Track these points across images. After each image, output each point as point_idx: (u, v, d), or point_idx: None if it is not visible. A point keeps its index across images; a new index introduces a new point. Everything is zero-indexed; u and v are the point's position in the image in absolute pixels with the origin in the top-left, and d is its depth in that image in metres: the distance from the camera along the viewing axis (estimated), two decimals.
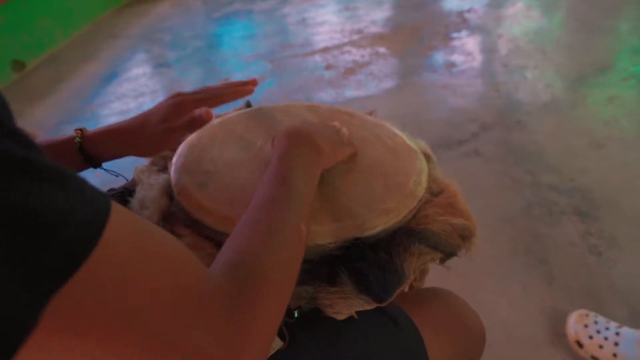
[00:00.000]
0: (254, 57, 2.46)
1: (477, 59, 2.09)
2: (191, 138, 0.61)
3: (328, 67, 2.18)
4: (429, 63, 2.11)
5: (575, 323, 0.95)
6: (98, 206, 0.22)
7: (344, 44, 2.38)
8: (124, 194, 0.59)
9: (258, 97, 2.07)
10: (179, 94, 0.58)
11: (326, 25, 2.67)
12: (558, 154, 1.46)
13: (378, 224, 0.47)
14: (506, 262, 1.15)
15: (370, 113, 0.72)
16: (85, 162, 0.54)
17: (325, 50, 2.35)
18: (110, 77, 2.51)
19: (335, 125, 0.59)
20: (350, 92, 1.95)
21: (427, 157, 0.61)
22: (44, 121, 2.17)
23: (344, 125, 0.64)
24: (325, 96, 1.95)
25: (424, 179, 0.54)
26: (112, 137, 0.54)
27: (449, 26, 2.41)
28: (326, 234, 0.46)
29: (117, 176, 0.62)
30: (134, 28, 3.21)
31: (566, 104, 1.70)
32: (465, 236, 0.49)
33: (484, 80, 1.93)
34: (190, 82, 2.36)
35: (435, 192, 0.54)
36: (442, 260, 0.48)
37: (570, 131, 1.55)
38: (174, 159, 0.58)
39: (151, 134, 0.54)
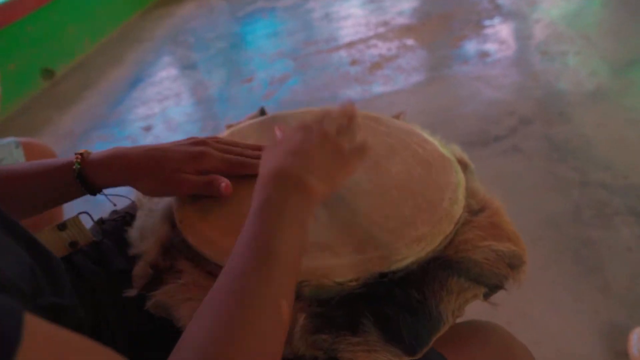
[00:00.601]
0: (277, 55, 2.40)
1: (513, 47, 1.96)
2: None
3: (353, 62, 2.09)
4: (461, 54, 1.99)
5: (639, 341, 0.84)
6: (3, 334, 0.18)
7: (370, 38, 2.28)
8: (126, 219, 0.53)
9: (282, 97, 2.02)
10: (206, 143, 0.50)
11: (351, 19, 2.58)
12: (608, 149, 1.33)
13: (408, 255, 0.40)
14: (554, 271, 1.05)
15: (398, 116, 0.64)
16: (84, 189, 0.48)
17: (351, 44, 2.27)
18: (136, 81, 2.51)
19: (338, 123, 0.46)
20: (377, 88, 1.86)
21: (464, 166, 0.53)
22: (73, 128, 2.19)
23: (368, 132, 0.56)
24: (351, 93, 1.87)
25: (461, 194, 0.46)
26: (115, 166, 0.47)
27: (480, 13, 2.27)
28: (346, 270, 0.38)
29: (114, 205, 0.56)
30: (159, 30, 3.21)
31: (614, 92, 1.56)
32: (513, 265, 0.41)
33: (521, 70, 1.80)
34: (215, 83, 2.33)
35: (475, 210, 0.46)
36: (487, 296, 0.40)
37: (621, 122, 1.42)
38: None
39: (159, 177, 0.46)
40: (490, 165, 1.35)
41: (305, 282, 0.38)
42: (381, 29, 2.35)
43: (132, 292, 0.43)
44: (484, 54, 1.93)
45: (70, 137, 2.10)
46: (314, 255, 0.40)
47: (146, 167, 0.46)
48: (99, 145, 1.99)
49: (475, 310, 0.53)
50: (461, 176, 0.48)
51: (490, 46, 1.97)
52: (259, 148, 0.53)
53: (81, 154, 0.47)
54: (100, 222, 0.55)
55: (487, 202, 0.46)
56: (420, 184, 0.47)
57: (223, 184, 0.46)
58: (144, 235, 0.46)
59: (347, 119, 0.46)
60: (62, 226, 0.49)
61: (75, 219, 0.50)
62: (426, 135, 0.56)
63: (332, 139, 0.43)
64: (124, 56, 2.87)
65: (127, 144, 1.95)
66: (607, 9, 2.17)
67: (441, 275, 0.38)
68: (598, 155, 1.31)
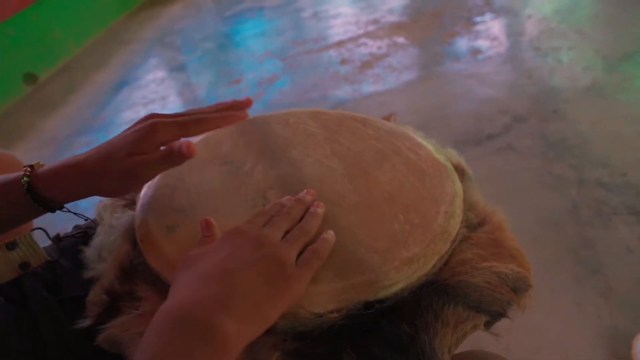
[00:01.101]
0: (266, 56, 2.35)
1: (505, 44, 1.92)
2: None
3: (343, 61, 2.05)
4: (452, 51, 1.95)
5: None
6: None
7: (360, 36, 2.24)
8: (88, 234, 0.48)
9: (270, 98, 1.96)
10: (153, 116, 0.43)
11: (340, 18, 2.53)
12: (605, 146, 1.29)
13: (398, 280, 0.35)
14: (553, 274, 1.01)
15: (389, 118, 0.59)
16: (39, 205, 0.42)
17: (340, 43, 2.22)
18: (121, 84, 2.44)
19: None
20: (368, 87, 1.82)
21: (461, 173, 0.48)
22: (56, 133, 2.12)
23: (354, 136, 0.52)
24: (341, 93, 1.82)
25: (459, 207, 0.42)
26: (68, 175, 0.42)
27: (471, 10, 2.23)
28: (326, 299, 0.34)
29: (86, 219, 0.51)
30: (146, 32, 3.15)
31: (610, 87, 1.52)
32: (518, 288, 0.36)
33: (514, 67, 1.76)
34: (202, 85, 2.27)
35: (473, 224, 0.41)
36: (487, 325, 0.36)
37: (618, 118, 1.38)
38: (142, 191, 0.47)
39: (117, 170, 0.40)
40: (483, 165, 1.31)
41: None
42: (371, 27, 2.30)
43: (84, 323, 0.38)
44: (475, 51, 1.89)
45: (54, 143, 2.04)
46: None
47: (97, 165, 0.41)
48: (83, 151, 1.92)
49: None
50: (458, 185, 0.44)
51: (481, 43, 1.93)
52: (219, 108, 0.46)
53: (31, 166, 0.42)
54: (57, 239, 0.49)
55: (487, 215, 0.41)
56: (412, 195, 0.43)
57: (183, 145, 0.40)
58: (102, 256, 0.41)
59: (302, 208, 0.40)
60: (12, 245, 0.43)
61: (27, 236, 0.44)
62: (419, 138, 0.52)
63: (273, 250, 0.34)
64: (109, 59, 2.80)
65: None
66: (600, 2, 2.14)
67: (436, 304, 0.34)
68: (595, 153, 1.28)
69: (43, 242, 0.48)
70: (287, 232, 0.37)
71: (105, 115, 2.17)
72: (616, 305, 0.93)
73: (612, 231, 1.07)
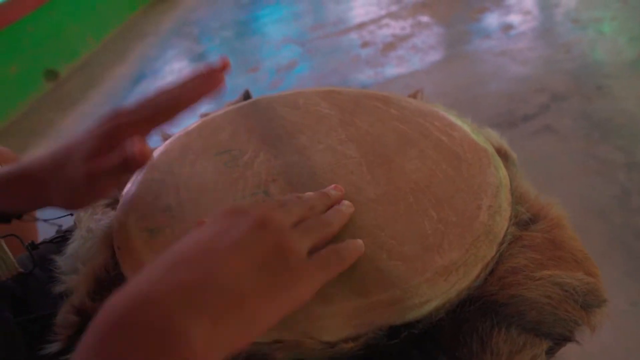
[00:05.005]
0: (284, 42, 2.27)
1: (539, 18, 1.78)
2: (154, 151, 0.44)
3: (364, 44, 1.95)
4: (481, 28, 1.82)
5: None
6: None
7: (382, 17, 2.13)
8: (65, 242, 0.42)
9: (289, 85, 1.88)
10: (117, 113, 0.35)
11: None
12: None
13: (431, 297, 0.27)
14: (604, 269, 0.90)
15: (415, 95, 0.51)
16: None
17: (361, 26, 2.11)
18: (140, 77, 2.42)
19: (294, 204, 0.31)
20: (391, 70, 1.72)
21: (505, 158, 0.39)
22: (75, 130, 2.11)
23: (373, 117, 0.44)
24: (363, 77, 1.73)
25: (505, 200, 0.33)
26: (17, 188, 0.36)
27: None
28: (340, 323, 0.26)
29: (60, 226, 0.45)
30: (164, 24, 3.11)
31: None
32: (589, 304, 0.28)
33: (550, 42, 1.63)
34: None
35: (524, 220, 0.33)
36: (549, 352, 0.27)
37: None
38: (125, 188, 0.40)
39: (71, 179, 0.33)
40: (519, 149, 1.17)
41: (278, 342, 0.26)
42: (393, 7, 2.19)
43: (52, 348, 0.31)
44: (507, 27, 1.76)
45: None
46: None
47: (54, 174, 0.34)
48: None
49: None
50: (503, 173, 0.35)
51: (513, 18, 1.80)
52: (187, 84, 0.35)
53: None
54: (32, 246, 0.43)
55: (541, 208, 0.33)
56: (446, 187, 0.34)
57: (135, 151, 0.31)
58: (76, 266, 0.35)
59: (325, 203, 0.32)
60: None
61: None
62: (453, 118, 0.43)
63: (278, 235, 0.26)
64: (127, 52, 2.78)
65: None
66: None
67: (482, 327, 0.26)
68: None
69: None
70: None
71: None
72: None
73: None
